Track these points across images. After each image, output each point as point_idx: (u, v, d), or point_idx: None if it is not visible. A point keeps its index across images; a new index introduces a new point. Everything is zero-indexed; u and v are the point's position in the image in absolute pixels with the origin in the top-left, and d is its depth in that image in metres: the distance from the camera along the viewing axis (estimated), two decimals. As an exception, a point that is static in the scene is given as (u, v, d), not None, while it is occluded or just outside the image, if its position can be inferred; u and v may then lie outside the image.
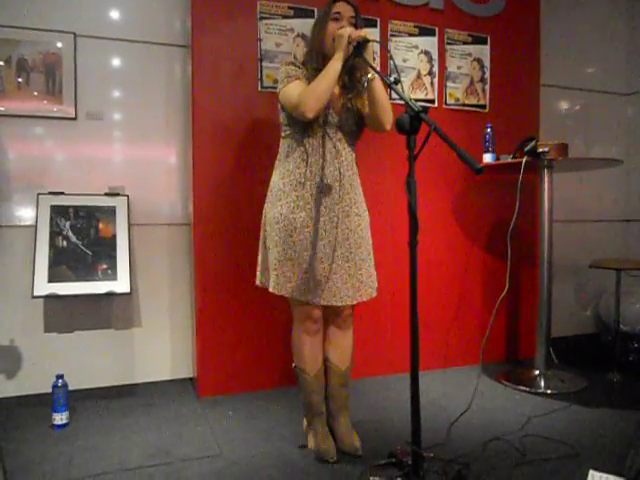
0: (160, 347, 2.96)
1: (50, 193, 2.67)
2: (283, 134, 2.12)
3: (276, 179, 2.10)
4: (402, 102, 1.59)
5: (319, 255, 1.99)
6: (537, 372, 2.94)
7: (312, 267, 1.99)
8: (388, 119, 2.02)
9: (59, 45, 2.74)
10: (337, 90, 2.07)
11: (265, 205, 2.13)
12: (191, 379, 2.99)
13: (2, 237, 2.66)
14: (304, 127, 2.01)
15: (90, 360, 2.79)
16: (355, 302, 2.07)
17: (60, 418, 2.35)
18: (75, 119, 2.78)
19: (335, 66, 1.90)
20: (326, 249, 2.00)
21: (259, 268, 2.16)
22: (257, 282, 2.17)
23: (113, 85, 2.87)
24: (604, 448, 2.12)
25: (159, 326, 2.96)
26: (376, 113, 2.00)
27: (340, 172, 2.02)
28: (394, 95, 3.00)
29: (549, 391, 2.79)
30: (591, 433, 2.28)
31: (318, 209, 2.00)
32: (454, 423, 2.32)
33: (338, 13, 2.02)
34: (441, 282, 3.23)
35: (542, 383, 2.86)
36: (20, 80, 2.69)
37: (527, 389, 2.82)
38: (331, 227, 2.01)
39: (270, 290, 2.05)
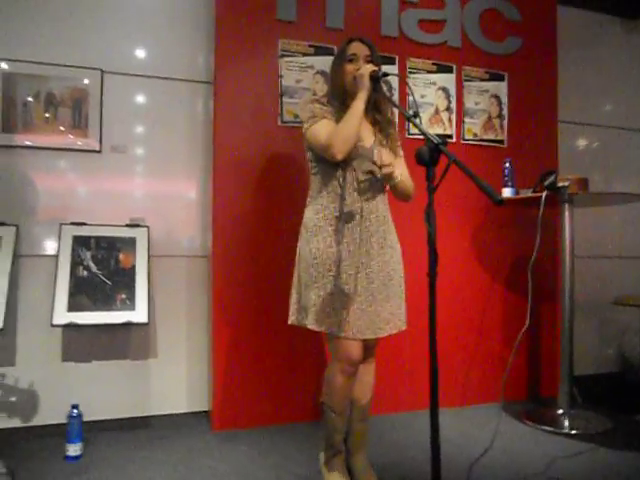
0: (176, 379, 2.94)
1: (72, 223, 2.72)
2: (314, 170, 2.11)
3: (310, 215, 2.08)
4: (421, 136, 1.60)
5: (358, 288, 1.97)
6: (561, 411, 2.84)
7: (352, 301, 1.96)
8: (412, 195, 2.12)
9: (86, 81, 2.83)
10: (369, 126, 2.10)
11: (299, 243, 2.11)
12: (206, 412, 2.95)
13: (25, 266, 2.70)
14: (333, 163, 2.00)
15: (106, 391, 2.78)
16: (385, 334, 2.04)
17: (74, 449, 2.33)
18: (100, 152, 2.85)
19: (358, 106, 1.92)
20: (363, 282, 1.98)
21: (293, 307, 2.10)
22: (290, 321, 2.10)
23: (137, 120, 2.95)
24: (633, 493, 2.04)
25: (175, 358, 2.95)
26: (402, 197, 2.12)
27: (375, 205, 2.04)
28: (413, 129, 3.06)
29: (574, 431, 2.70)
30: (618, 476, 2.19)
31: (355, 242, 1.99)
32: (475, 463, 2.25)
33: (354, 54, 2.05)
34: (461, 317, 3.18)
35: (566, 423, 2.77)
36: (48, 115, 2.77)
37: (550, 429, 2.73)
38: (367, 260, 2.00)
39: (309, 327, 1.99)
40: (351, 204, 2.01)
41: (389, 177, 1.93)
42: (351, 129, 1.91)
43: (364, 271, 1.99)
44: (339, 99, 2.08)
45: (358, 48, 2.07)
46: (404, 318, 2.12)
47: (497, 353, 3.23)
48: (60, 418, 2.48)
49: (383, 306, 2.03)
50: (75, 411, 2.37)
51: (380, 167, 1.94)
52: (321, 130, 1.98)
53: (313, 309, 1.98)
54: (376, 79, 1.93)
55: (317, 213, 2.05)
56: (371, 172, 2.04)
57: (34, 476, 2.16)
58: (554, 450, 2.46)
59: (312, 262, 2.00)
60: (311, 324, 1.99)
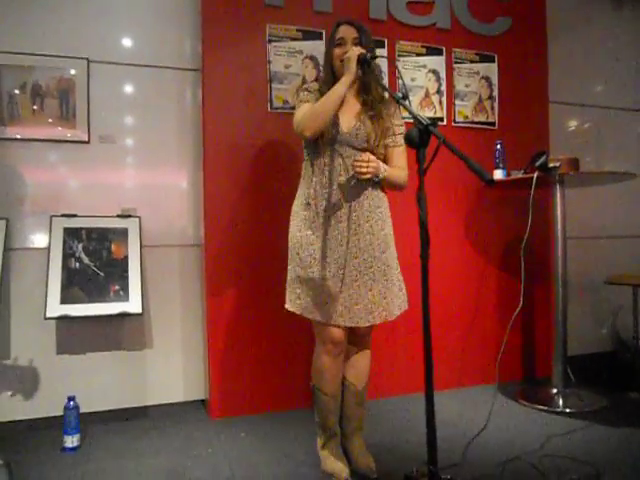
0: (172, 369, 2.94)
1: (63, 215, 2.69)
2: (304, 158, 2.15)
3: (295, 201, 2.15)
4: (412, 119, 1.59)
5: (326, 273, 1.98)
6: (555, 391, 2.87)
7: (320, 285, 1.98)
8: (403, 186, 2.09)
9: (72, 71, 2.79)
10: (357, 108, 2.08)
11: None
12: (203, 401, 2.96)
13: (16, 259, 2.67)
14: (315, 148, 2.04)
15: (102, 382, 2.77)
16: (368, 324, 2.02)
17: (71, 441, 2.34)
18: (88, 143, 2.82)
19: (339, 89, 1.92)
20: (332, 267, 1.98)
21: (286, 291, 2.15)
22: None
23: (125, 109, 2.91)
24: (626, 468, 2.06)
25: (171, 347, 2.94)
26: (391, 189, 2.12)
27: (348, 191, 1.99)
28: (403, 113, 3.04)
29: (568, 410, 2.73)
30: (613, 453, 2.21)
31: (324, 227, 2.00)
32: (471, 443, 2.27)
33: (341, 39, 2.04)
34: (454, 299, 3.19)
35: (560, 402, 2.80)
36: (35, 107, 2.73)
37: (545, 408, 2.76)
38: (337, 245, 1.99)
39: (291, 310, 2.06)
40: (320, 190, 2.02)
41: (359, 174, 1.93)
42: (324, 108, 1.92)
43: (332, 257, 1.99)
44: (330, 84, 2.04)
45: (346, 31, 2.05)
46: (392, 308, 2.05)
47: (491, 334, 3.25)
48: (57, 410, 2.47)
49: (360, 294, 1.99)
50: (72, 403, 2.37)
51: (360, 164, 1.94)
52: (298, 113, 2.03)
53: (288, 290, 2.08)
54: (364, 62, 1.91)
55: (297, 199, 2.14)
56: (349, 157, 2.01)
57: (32, 468, 2.17)
58: (548, 428, 2.49)
59: (289, 246, 2.10)
60: (286, 304, 2.08)
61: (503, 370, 2.93)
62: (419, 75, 3.17)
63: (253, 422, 2.66)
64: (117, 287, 2.66)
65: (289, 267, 2.08)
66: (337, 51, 2.05)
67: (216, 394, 2.76)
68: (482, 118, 3.32)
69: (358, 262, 2.00)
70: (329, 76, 2.09)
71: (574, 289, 3.46)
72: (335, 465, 2.05)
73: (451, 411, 2.74)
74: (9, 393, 2.64)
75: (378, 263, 2.03)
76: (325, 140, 2.00)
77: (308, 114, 1.96)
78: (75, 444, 2.35)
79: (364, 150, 2.02)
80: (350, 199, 2.00)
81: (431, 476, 1.63)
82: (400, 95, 1.69)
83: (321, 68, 2.74)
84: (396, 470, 2.00)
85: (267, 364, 2.83)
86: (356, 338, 2.11)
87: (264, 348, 2.82)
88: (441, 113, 3.21)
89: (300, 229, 2.05)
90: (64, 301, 2.55)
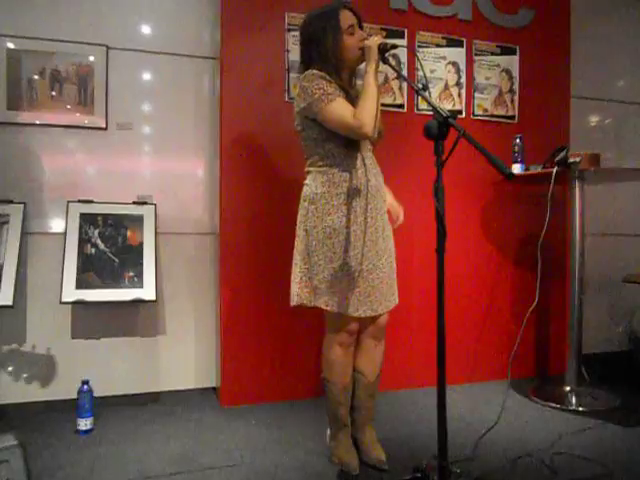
0: (184, 356, 2.96)
1: (80, 201, 2.71)
2: (319, 149, 2.01)
3: (318, 191, 1.98)
4: (430, 111, 1.57)
5: (369, 266, 1.97)
6: (568, 389, 2.84)
7: (365, 279, 1.96)
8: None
9: (91, 58, 2.80)
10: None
11: (307, 220, 2.01)
12: (215, 388, 2.98)
13: (33, 244, 2.70)
14: (342, 140, 1.96)
15: (115, 367, 2.81)
16: (392, 306, 2.08)
17: (85, 424, 2.37)
18: (105, 129, 2.83)
19: (374, 80, 1.88)
20: (374, 260, 1.99)
21: (298, 286, 2.01)
22: (294, 302, 2.02)
23: (143, 96, 2.92)
24: (639, 468, 2.04)
25: (184, 334, 2.96)
26: None
27: (379, 181, 2.06)
28: (422, 105, 3.01)
29: (581, 408, 2.70)
30: (626, 452, 2.19)
31: (366, 220, 1.98)
32: (481, 438, 2.25)
33: (351, 26, 1.96)
34: (469, 294, 3.17)
35: (573, 400, 2.77)
36: (53, 93, 2.75)
37: (557, 406, 2.74)
38: (377, 237, 2.00)
39: (325, 308, 1.96)
40: (365, 182, 1.99)
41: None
42: (376, 105, 1.87)
43: (374, 249, 1.99)
44: (334, 71, 1.97)
45: (352, 19, 1.98)
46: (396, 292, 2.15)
47: (505, 330, 3.22)
48: (71, 394, 2.50)
49: (391, 278, 2.07)
50: (85, 387, 2.41)
51: None
52: (342, 109, 1.88)
53: (331, 290, 1.95)
54: (384, 51, 1.87)
55: (328, 190, 1.97)
56: (370, 151, 2.07)
57: (46, 449, 2.20)
58: (560, 426, 2.47)
59: (327, 241, 1.95)
60: (327, 305, 1.96)
61: (516, 367, 2.92)
62: (438, 67, 3.12)
63: (263, 411, 2.68)
64: (132, 273, 2.68)
65: (330, 265, 1.94)
66: (351, 40, 1.95)
67: (227, 382, 2.77)
68: (502, 111, 3.27)
69: (389, 250, 2.07)
70: (337, 63, 1.97)
71: (590, 286, 3.42)
72: (345, 456, 2.05)
73: (463, 406, 2.73)
74: (25, 375, 2.68)
75: (394, 250, 2.13)
76: None
77: (365, 115, 1.83)
78: (88, 427, 2.38)
79: (375, 143, 2.11)
80: (381, 190, 2.07)
81: (441, 470, 1.62)
82: (420, 86, 1.67)
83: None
84: (406, 463, 1.99)
85: (278, 354, 2.84)
86: (375, 328, 2.11)
87: (276, 337, 2.83)
88: (460, 106, 3.17)
89: (347, 225, 1.94)
90: (79, 286, 2.58)
